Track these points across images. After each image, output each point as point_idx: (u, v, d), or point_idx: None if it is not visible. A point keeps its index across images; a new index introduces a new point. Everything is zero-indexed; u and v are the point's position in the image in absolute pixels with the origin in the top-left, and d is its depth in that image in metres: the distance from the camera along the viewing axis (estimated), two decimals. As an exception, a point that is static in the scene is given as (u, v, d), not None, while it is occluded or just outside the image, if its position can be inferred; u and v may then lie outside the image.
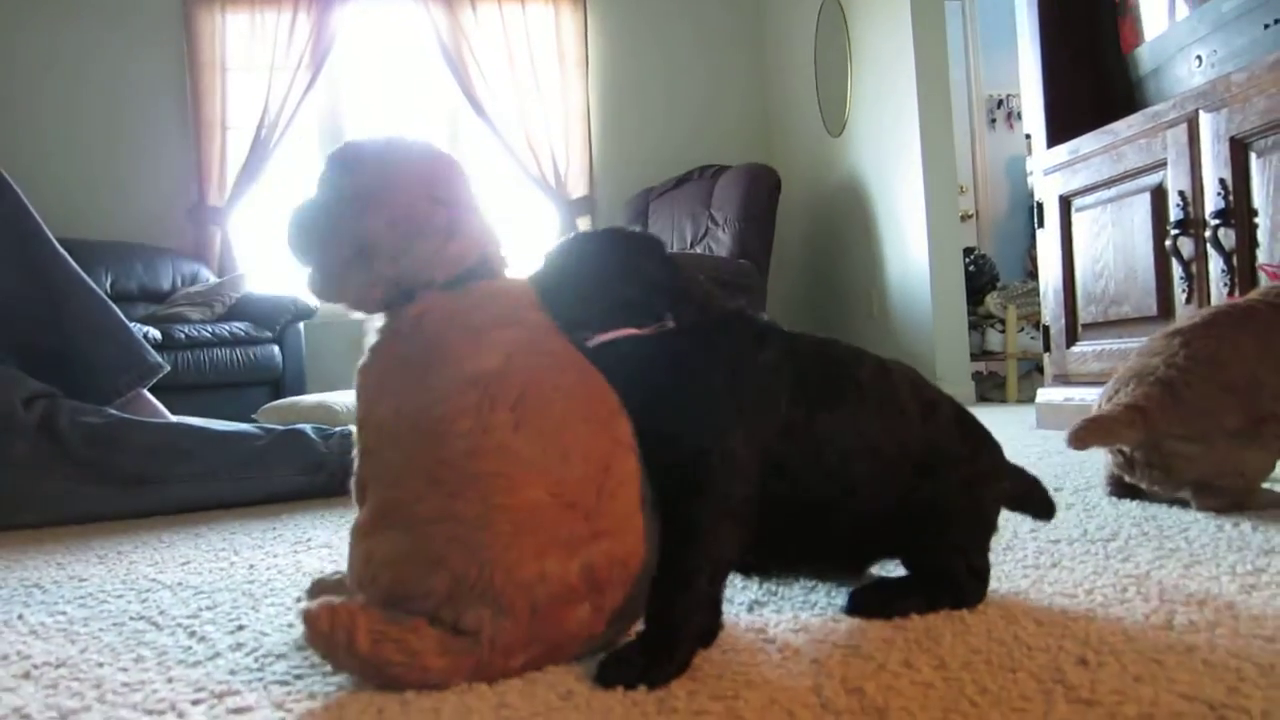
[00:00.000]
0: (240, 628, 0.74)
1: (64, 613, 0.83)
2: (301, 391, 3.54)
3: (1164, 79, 2.13)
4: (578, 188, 4.59)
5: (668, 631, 0.57)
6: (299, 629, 0.73)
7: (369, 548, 0.59)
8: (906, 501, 0.69)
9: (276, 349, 3.69)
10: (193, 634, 0.73)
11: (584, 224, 4.54)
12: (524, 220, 4.63)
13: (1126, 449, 1.15)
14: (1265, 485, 1.13)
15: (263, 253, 4.37)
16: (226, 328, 3.57)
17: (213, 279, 4.11)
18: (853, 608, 0.70)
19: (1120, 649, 0.58)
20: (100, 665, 0.65)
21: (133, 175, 4.24)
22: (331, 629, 0.54)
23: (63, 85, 4.16)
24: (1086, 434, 1.13)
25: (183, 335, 3.38)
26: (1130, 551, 0.89)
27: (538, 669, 0.58)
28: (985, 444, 0.75)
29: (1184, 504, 1.13)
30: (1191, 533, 0.96)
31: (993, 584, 0.78)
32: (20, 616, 0.82)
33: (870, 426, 0.68)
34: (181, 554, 1.12)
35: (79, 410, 1.56)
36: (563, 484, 0.57)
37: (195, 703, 0.56)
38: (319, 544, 1.14)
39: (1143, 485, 1.16)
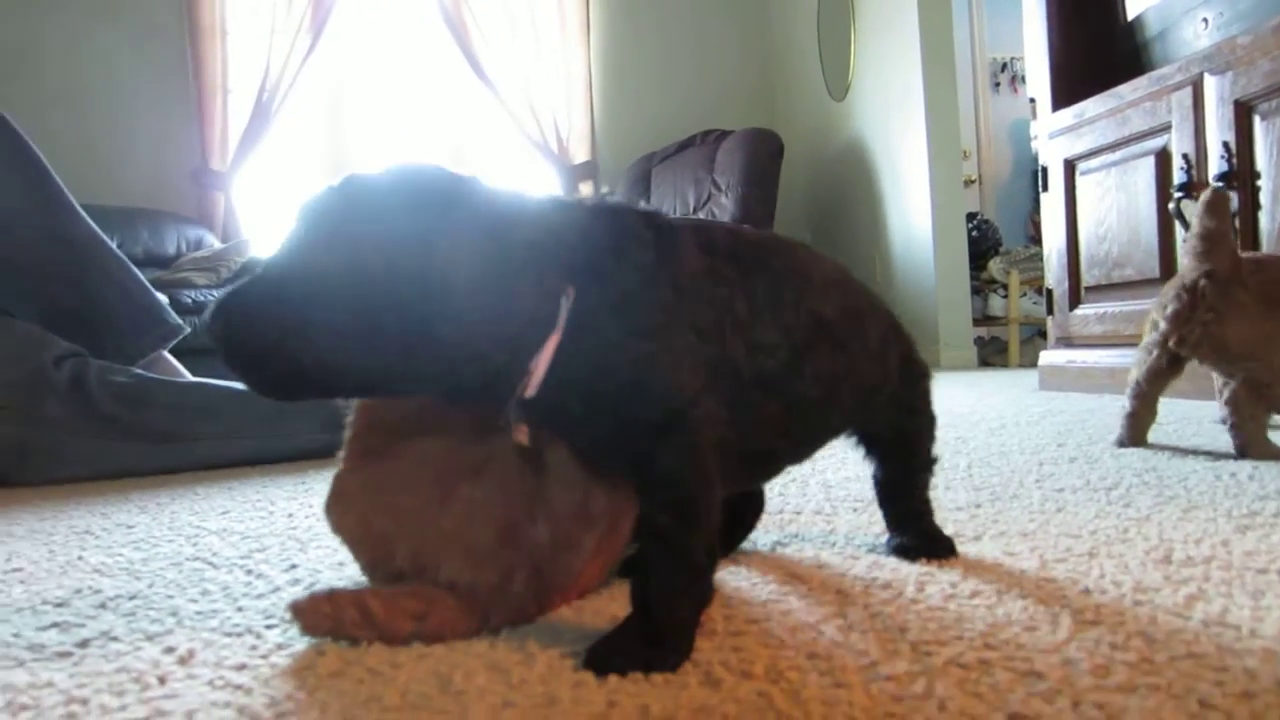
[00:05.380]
0: (294, 566, 0.79)
1: (121, 554, 0.88)
2: (308, 355, 3.57)
3: (1170, 42, 2.14)
4: (580, 152, 4.60)
5: (673, 620, 0.51)
6: (351, 567, 0.78)
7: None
8: (877, 383, 0.68)
9: (281, 314, 3.72)
10: (249, 571, 0.78)
11: (586, 189, 4.55)
12: (526, 185, 4.65)
13: None
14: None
15: (266, 218, 4.39)
16: (232, 292, 3.59)
17: (217, 244, 4.13)
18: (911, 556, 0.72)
19: (1120, 580, 0.63)
20: (170, 597, 0.70)
21: (135, 140, 4.24)
22: (336, 609, 0.56)
23: (64, 50, 4.15)
24: None
25: (189, 300, 3.40)
26: (1131, 499, 0.93)
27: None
28: (895, 317, 0.73)
29: (1183, 454, 1.19)
30: (1190, 481, 1.01)
31: (1000, 526, 0.83)
32: (80, 558, 0.87)
33: (827, 312, 0.62)
34: (219, 505, 1.17)
35: (106, 369, 1.60)
36: None
37: (269, 627, 0.61)
38: (351, 495, 1.19)
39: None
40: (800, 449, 0.69)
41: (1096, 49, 2.41)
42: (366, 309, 0.49)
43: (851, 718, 0.41)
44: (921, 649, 0.51)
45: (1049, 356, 2.48)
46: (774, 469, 0.70)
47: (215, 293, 3.53)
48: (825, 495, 1.02)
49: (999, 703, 0.42)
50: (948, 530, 0.77)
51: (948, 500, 0.96)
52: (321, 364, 0.51)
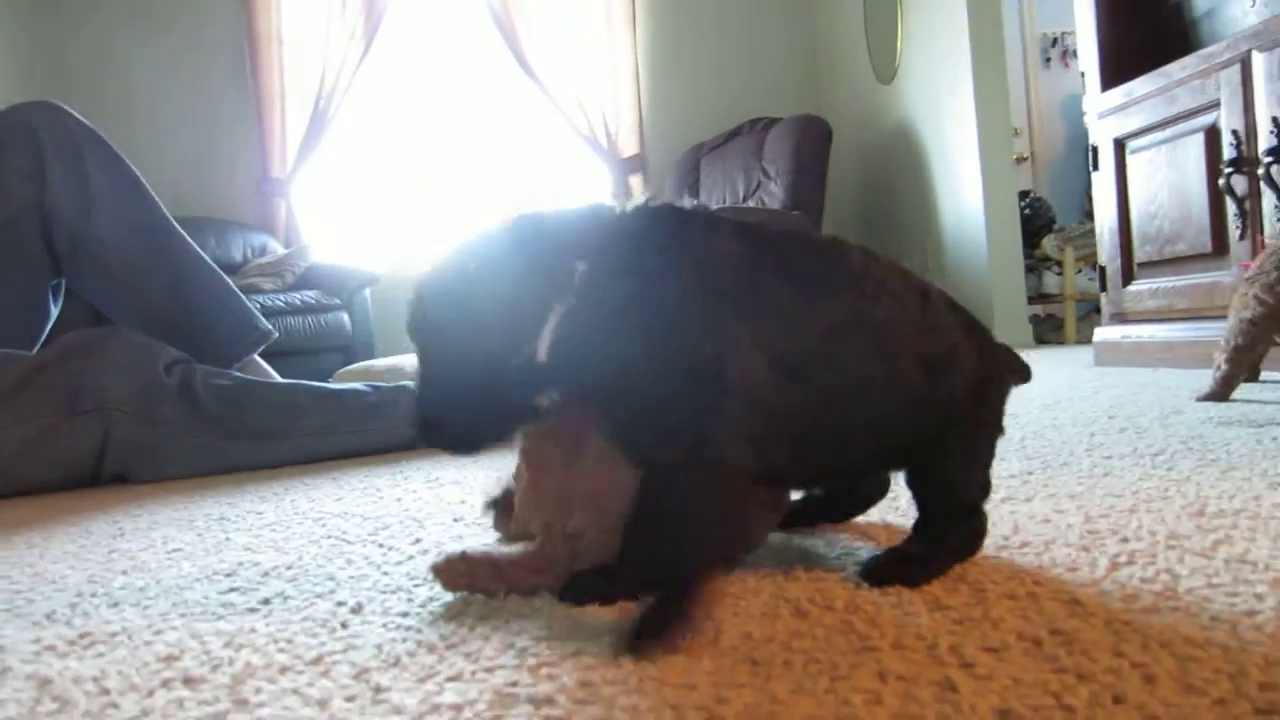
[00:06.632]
0: (418, 540, 0.90)
1: (262, 535, 1.00)
2: (371, 356, 3.73)
3: (1218, 20, 2.17)
4: (629, 146, 4.68)
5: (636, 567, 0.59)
6: (471, 540, 0.89)
7: None
8: (920, 405, 0.60)
9: (345, 315, 3.86)
10: (381, 545, 0.89)
11: (636, 182, 4.64)
12: (576, 180, 4.76)
13: None
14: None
15: (324, 222, 4.56)
16: (298, 296, 3.75)
17: (280, 250, 4.30)
18: (870, 578, 0.62)
19: (1156, 530, 0.71)
20: (321, 566, 0.81)
21: (199, 150, 4.44)
22: (470, 567, 0.67)
23: (126, 64, 4.37)
24: None
25: (258, 305, 3.54)
26: (1174, 463, 1.01)
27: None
28: (985, 336, 0.65)
29: (1229, 423, 1.24)
30: (1232, 446, 1.07)
31: (1050, 490, 0.91)
32: (228, 539, 0.99)
33: (874, 313, 0.59)
34: (330, 493, 1.29)
35: (210, 374, 1.74)
36: None
37: (416, 586, 0.71)
38: (448, 481, 1.30)
39: None
40: (836, 447, 0.62)
41: (1145, 29, 2.43)
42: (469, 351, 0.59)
43: (920, 635, 0.50)
44: (978, 587, 0.60)
45: (1104, 333, 2.51)
46: (812, 461, 0.63)
47: (282, 297, 3.69)
48: (886, 468, 1.10)
49: (1044, 623, 0.51)
50: (999, 494, 0.85)
51: (1001, 469, 1.03)
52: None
